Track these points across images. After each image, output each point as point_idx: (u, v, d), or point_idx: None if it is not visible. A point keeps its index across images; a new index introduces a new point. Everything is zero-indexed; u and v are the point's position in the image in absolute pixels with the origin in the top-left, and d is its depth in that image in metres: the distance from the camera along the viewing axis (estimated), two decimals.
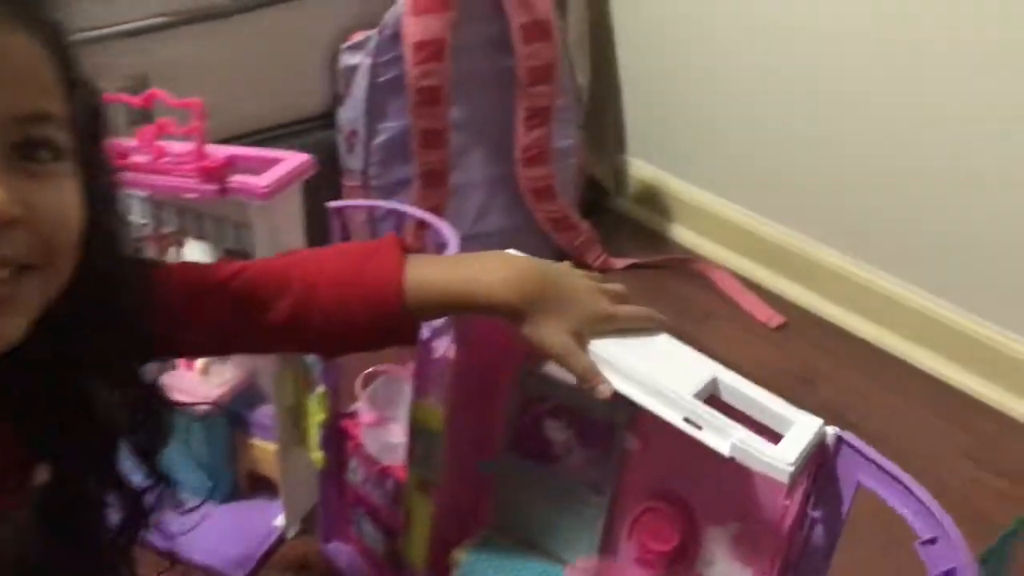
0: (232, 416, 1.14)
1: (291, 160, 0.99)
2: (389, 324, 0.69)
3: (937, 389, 1.45)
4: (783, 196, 1.64)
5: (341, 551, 1.12)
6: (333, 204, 0.98)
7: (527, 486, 0.83)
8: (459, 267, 0.71)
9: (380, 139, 1.54)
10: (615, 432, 0.77)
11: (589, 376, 0.68)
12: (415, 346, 0.78)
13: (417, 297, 0.68)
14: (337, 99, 1.59)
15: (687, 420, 0.64)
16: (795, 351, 1.52)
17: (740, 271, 1.70)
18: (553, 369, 0.78)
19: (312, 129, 1.58)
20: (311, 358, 1.02)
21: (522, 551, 0.84)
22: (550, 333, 0.68)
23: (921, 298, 1.48)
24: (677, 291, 1.67)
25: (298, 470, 1.12)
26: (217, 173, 0.96)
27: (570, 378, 0.70)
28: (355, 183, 1.57)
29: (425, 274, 0.69)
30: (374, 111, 1.52)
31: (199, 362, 1.14)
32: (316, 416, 1.04)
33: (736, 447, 0.63)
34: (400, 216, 1.54)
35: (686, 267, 1.72)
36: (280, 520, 1.16)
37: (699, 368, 0.69)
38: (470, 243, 0.83)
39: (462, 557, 0.84)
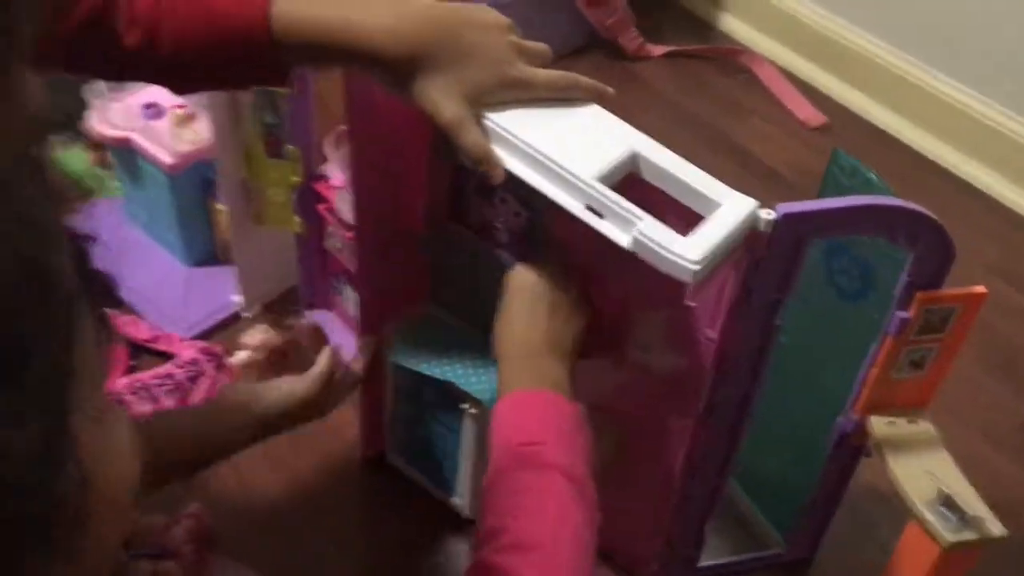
0: (202, 179, 1.09)
1: None
2: (252, 59, 0.61)
3: (982, 205, 1.36)
4: None
5: (325, 318, 1.08)
6: None
7: (462, 263, 0.77)
8: (338, 4, 0.61)
9: None
10: (534, 212, 0.69)
11: (477, 154, 0.59)
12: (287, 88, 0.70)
13: (286, 32, 0.60)
14: None
15: (589, 208, 0.57)
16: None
17: (788, 66, 1.59)
18: None
19: None
20: (270, 118, 0.95)
21: (461, 333, 0.78)
22: (439, 96, 0.59)
23: (981, 105, 1.37)
24: (717, 84, 1.56)
25: (254, 249, 1.07)
26: None
27: None
28: None
29: (296, 6, 0.60)
30: None
31: (173, 115, 1.09)
32: (289, 179, 0.98)
33: (637, 240, 0.55)
34: None
35: (730, 59, 1.61)
36: (237, 297, 1.12)
37: (619, 143, 0.60)
38: None
39: (394, 335, 0.79)
